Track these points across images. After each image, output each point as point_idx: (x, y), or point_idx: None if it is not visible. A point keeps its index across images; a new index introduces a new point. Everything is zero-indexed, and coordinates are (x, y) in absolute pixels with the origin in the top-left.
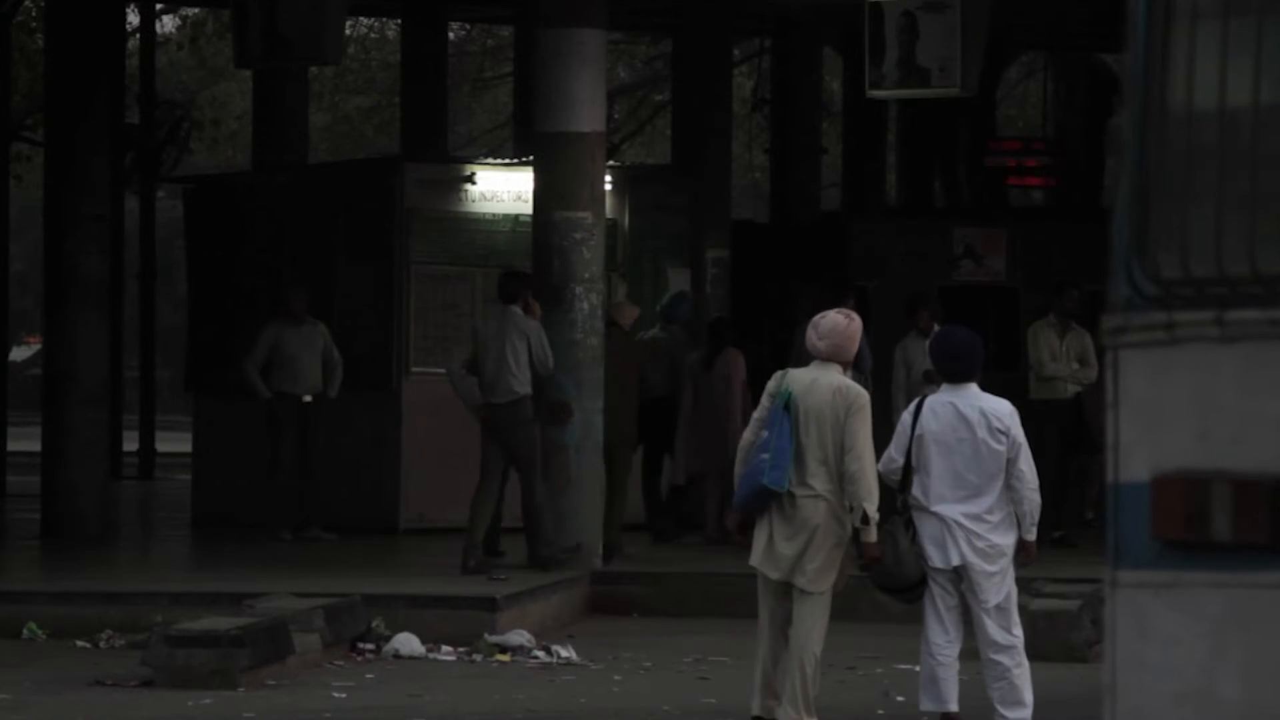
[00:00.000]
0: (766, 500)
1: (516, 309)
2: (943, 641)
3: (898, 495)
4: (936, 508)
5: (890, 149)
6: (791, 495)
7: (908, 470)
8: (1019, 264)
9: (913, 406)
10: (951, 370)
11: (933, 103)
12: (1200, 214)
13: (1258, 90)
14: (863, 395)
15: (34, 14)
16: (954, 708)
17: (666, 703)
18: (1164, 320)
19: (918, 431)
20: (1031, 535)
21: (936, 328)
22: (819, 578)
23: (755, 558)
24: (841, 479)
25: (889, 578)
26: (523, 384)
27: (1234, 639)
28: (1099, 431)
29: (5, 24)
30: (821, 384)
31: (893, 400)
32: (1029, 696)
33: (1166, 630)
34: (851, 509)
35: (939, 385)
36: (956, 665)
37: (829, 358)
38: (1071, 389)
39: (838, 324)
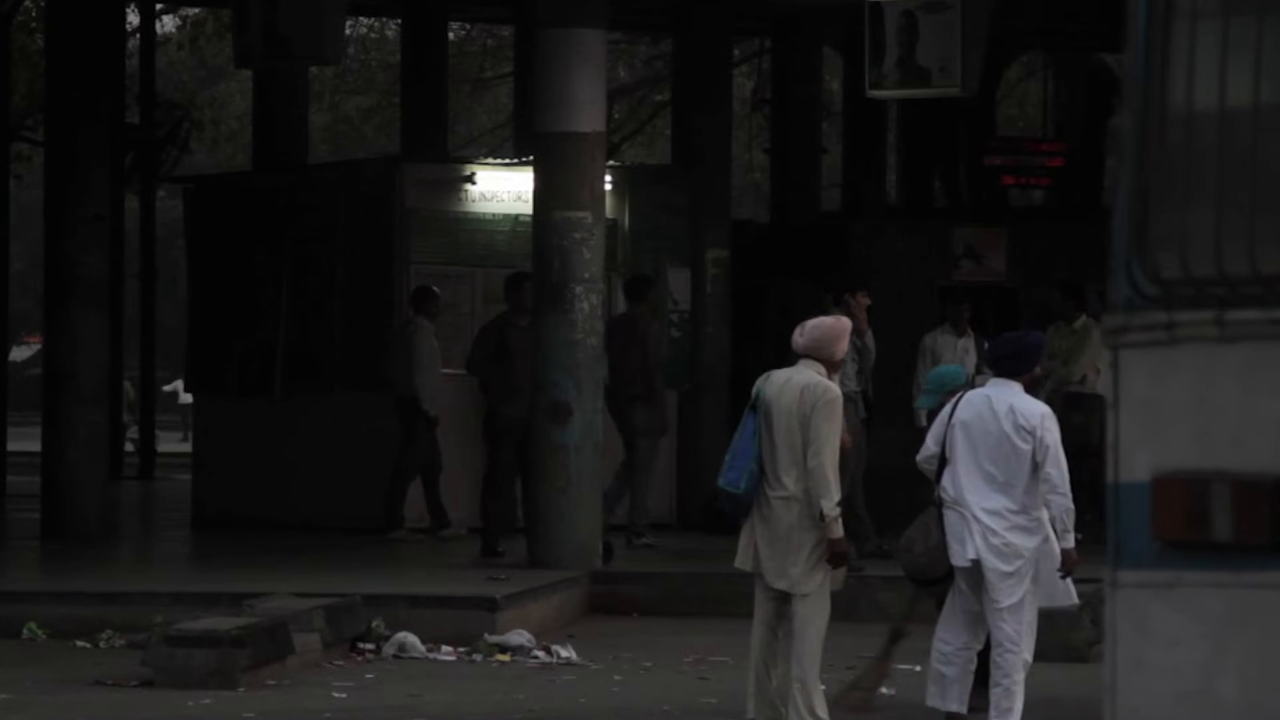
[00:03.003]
0: (734, 502)
1: None
2: (952, 641)
3: (934, 486)
4: (960, 500)
5: (890, 149)
6: (766, 497)
7: (943, 461)
8: (1019, 264)
9: (956, 398)
10: (996, 363)
11: (933, 103)
12: (1200, 214)
13: (1258, 90)
14: (830, 391)
15: (34, 14)
16: (954, 707)
17: (666, 703)
18: (1164, 320)
19: (952, 421)
20: (1069, 542)
21: (970, 330)
22: (804, 579)
23: (738, 559)
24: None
25: (918, 569)
26: None
27: (1234, 639)
28: (1065, 433)
29: (5, 24)
30: (794, 383)
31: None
32: (1019, 705)
33: (1167, 630)
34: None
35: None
36: (969, 667)
37: (805, 353)
38: (1049, 387)
39: (823, 322)
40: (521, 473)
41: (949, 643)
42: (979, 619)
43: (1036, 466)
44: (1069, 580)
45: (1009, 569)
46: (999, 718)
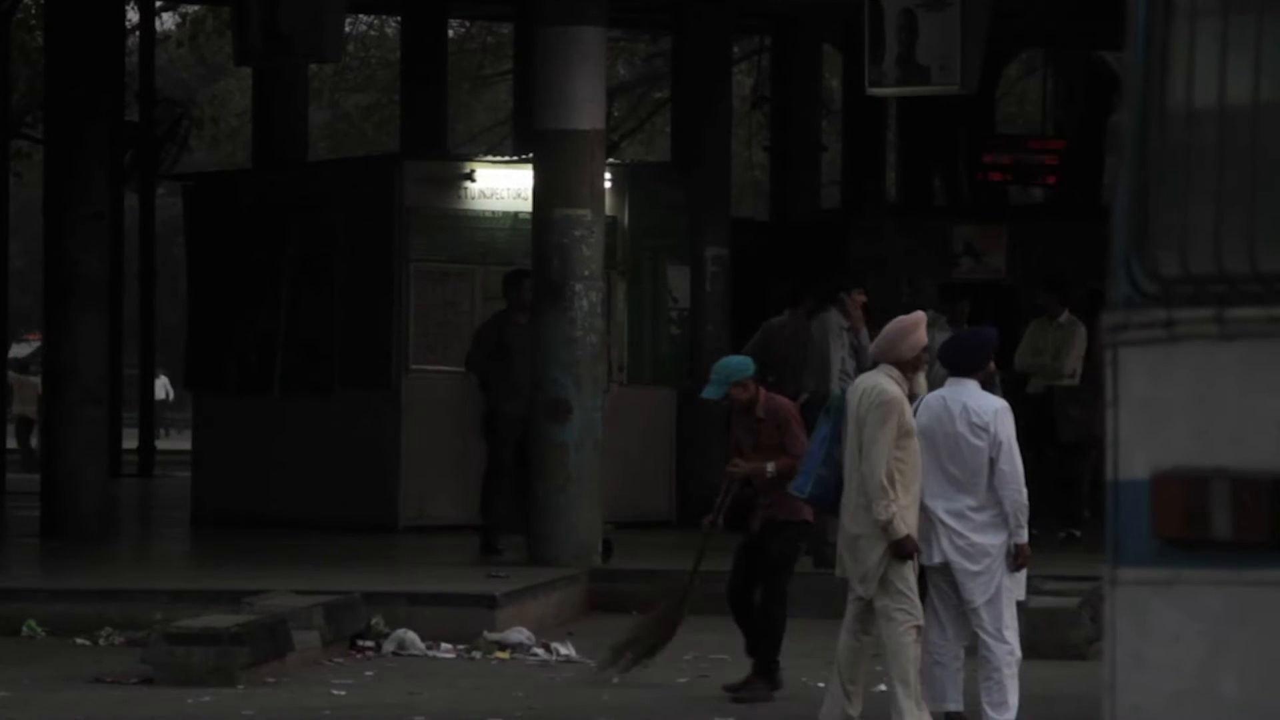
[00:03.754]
0: (813, 505)
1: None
2: (939, 640)
3: None
4: (926, 503)
5: (890, 147)
6: (844, 502)
7: None
8: (1018, 262)
9: (917, 402)
10: (946, 361)
11: (932, 101)
12: (1200, 212)
13: (1258, 89)
14: (883, 394)
15: (34, 11)
16: (952, 706)
17: (667, 702)
18: (1163, 318)
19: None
20: (1021, 537)
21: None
22: (868, 583)
23: (836, 567)
24: None
25: None
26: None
27: (1234, 637)
28: (1068, 427)
29: (5, 22)
30: (859, 387)
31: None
32: (1013, 699)
33: (1166, 628)
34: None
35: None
36: (957, 663)
37: (877, 359)
38: (1039, 384)
39: (891, 323)
40: (523, 471)
41: (935, 641)
42: (962, 615)
43: (991, 463)
44: (1021, 575)
45: (977, 568)
46: (993, 711)
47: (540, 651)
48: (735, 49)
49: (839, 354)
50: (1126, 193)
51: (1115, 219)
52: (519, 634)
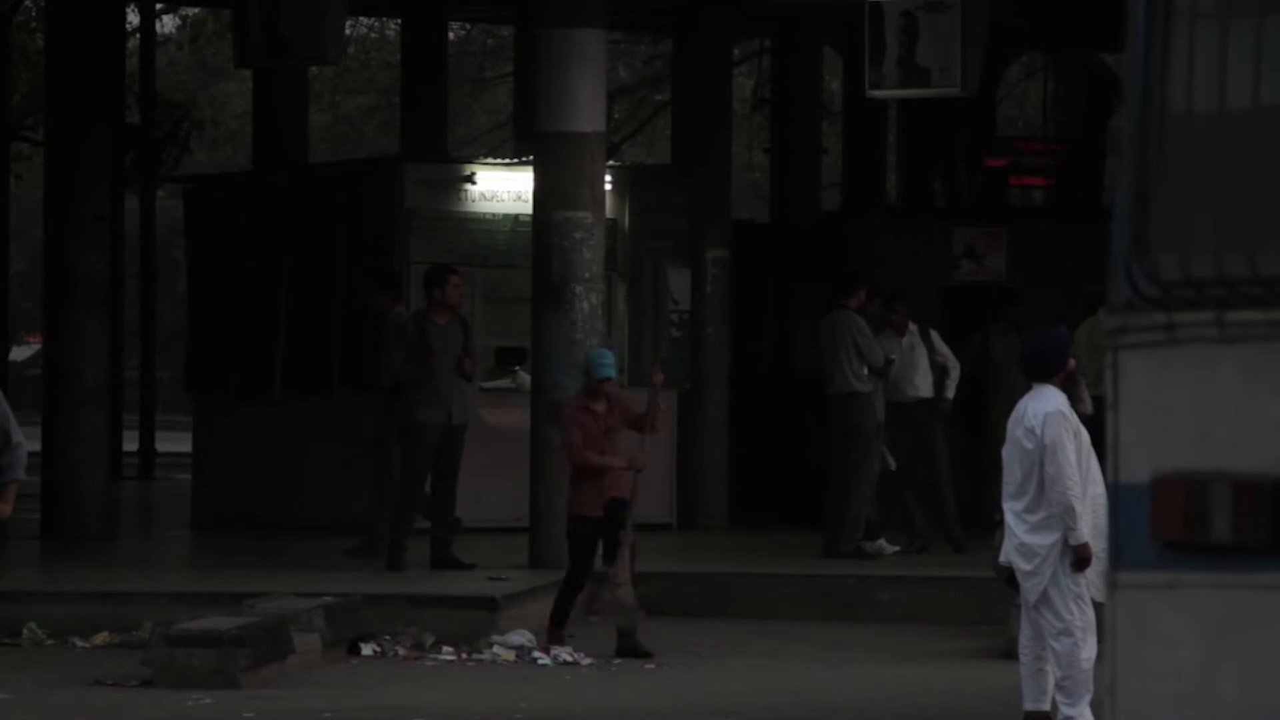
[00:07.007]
0: None
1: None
2: (1022, 640)
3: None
4: (1002, 505)
5: (890, 149)
6: None
7: None
8: (1019, 264)
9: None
10: (1026, 372)
11: (933, 103)
12: (1200, 214)
13: (1258, 90)
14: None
15: (34, 14)
16: (1027, 706)
17: (667, 702)
18: (1164, 321)
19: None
20: (1074, 538)
21: (912, 325)
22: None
23: None
24: None
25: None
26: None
27: (1234, 640)
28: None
29: (5, 23)
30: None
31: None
32: (1082, 690)
33: (1166, 631)
34: None
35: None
36: (1036, 664)
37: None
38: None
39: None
40: (435, 483)
41: (1020, 641)
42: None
43: (1039, 466)
44: (1094, 575)
45: (1028, 567)
46: (1061, 697)
47: (541, 654)
48: (736, 51)
49: (851, 354)
50: (1127, 195)
51: (1115, 222)
52: (520, 636)
